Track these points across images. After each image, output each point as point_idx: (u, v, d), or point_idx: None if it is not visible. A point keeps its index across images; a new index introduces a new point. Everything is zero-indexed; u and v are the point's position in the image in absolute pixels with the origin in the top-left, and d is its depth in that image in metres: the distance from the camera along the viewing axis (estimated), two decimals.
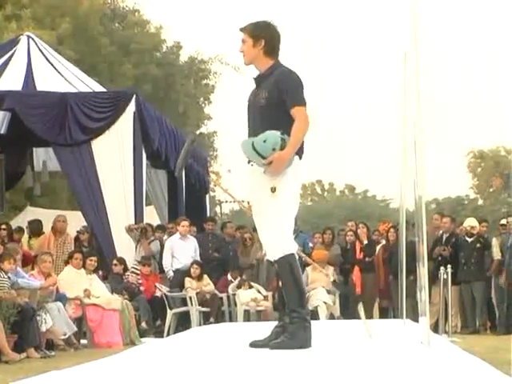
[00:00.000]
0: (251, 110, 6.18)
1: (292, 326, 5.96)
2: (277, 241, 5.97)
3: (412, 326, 9.24)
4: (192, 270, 13.54)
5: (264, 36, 6.10)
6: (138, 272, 13.41)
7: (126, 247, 13.84)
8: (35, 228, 14.70)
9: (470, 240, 14.49)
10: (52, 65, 15.67)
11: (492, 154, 58.79)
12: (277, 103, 5.98)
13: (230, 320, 13.52)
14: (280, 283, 6.25)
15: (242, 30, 6.19)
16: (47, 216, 15.85)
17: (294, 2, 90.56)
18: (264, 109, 6.01)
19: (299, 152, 5.99)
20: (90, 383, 4.54)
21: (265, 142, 5.83)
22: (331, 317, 13.97)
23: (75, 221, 15.13)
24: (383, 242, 15.52)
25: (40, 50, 15.95)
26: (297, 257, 6.13)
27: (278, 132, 5.89)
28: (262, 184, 5.96)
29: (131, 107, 14.27)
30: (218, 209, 43.08)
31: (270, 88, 6.03)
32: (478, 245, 14.40)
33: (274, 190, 5.88)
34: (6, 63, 15.21)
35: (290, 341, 5.86)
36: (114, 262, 13.22)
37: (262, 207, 5.99)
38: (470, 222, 14.95)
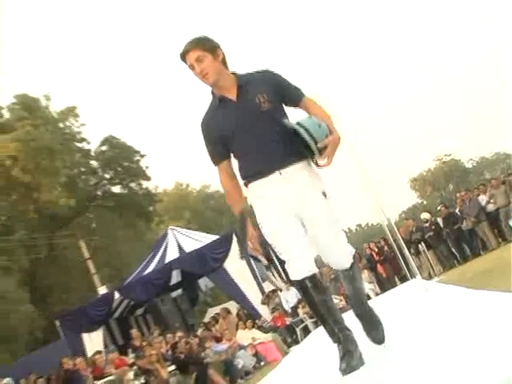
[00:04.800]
0: (247, 126, 2.91)
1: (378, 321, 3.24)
2: (346, 246, 3.08)
3: (417, 281, 9.08)
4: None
5: (218, 46, 2.99)
6: (270, 319, 13.20)
7: (263, 307, 13.75)
8: (211, 321, 14.56)
9: (427, 224, 14.30)
10: (189, 236, 16.17)
11: (420, 177, 60.84)
12: (278, 104, 2.99)
13: None
14: (350, 290, 3.21)
15: (190, 50, 2.93)
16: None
17: None
18: (271, 112, 2.93)
19: None
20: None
21: (320, 126, 2.87)
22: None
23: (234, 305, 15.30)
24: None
25: (180, 232, 16.49)
26: None
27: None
28: (310, 190, 2.96)
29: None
30: None
31: (262, 91, 2.94)
32: (433, 226, 14.15)
33: (325, 194, 2.99)
34: (166, 248, 15.63)
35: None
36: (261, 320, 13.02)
37: (319, 216, 2.95)
38: (423, 215, 14.77)
